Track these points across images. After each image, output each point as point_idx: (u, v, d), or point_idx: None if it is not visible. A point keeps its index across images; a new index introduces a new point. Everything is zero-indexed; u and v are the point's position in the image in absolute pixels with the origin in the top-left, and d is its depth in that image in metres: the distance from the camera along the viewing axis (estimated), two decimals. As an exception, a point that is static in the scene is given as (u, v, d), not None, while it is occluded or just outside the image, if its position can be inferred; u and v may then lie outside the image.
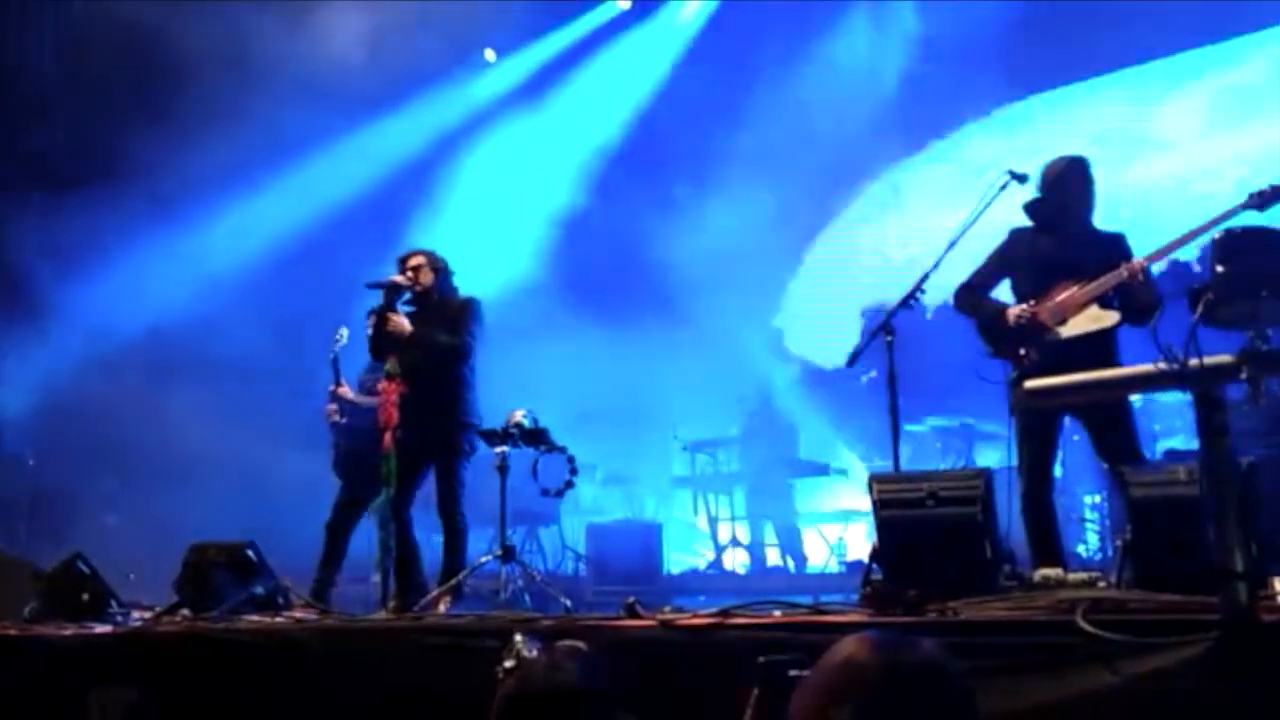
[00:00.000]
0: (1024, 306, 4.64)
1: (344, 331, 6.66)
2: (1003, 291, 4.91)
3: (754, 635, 3.19)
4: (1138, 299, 4.44)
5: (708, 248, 10.75)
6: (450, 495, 5.44)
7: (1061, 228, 4.72)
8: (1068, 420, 4.99)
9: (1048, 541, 4.50)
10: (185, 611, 4.91)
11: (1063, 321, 4.55)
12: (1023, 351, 4.61)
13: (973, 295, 4.87)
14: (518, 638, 2.30)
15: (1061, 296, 4.57)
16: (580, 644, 2.28)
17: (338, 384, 6.58)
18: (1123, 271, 4.44)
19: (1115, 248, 4.64)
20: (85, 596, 5.18)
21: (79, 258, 9.04)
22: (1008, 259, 4.85)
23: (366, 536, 6.45)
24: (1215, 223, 4.12)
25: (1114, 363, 4.42)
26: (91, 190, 8.69)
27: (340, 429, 6.55)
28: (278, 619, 4.67)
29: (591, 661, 2.18)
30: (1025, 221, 4.87)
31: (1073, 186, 4.71)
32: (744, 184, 10.39)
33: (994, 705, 2.71)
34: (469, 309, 5.70)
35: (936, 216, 9.30)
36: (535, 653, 2.22)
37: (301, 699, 3.90)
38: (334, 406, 6.62)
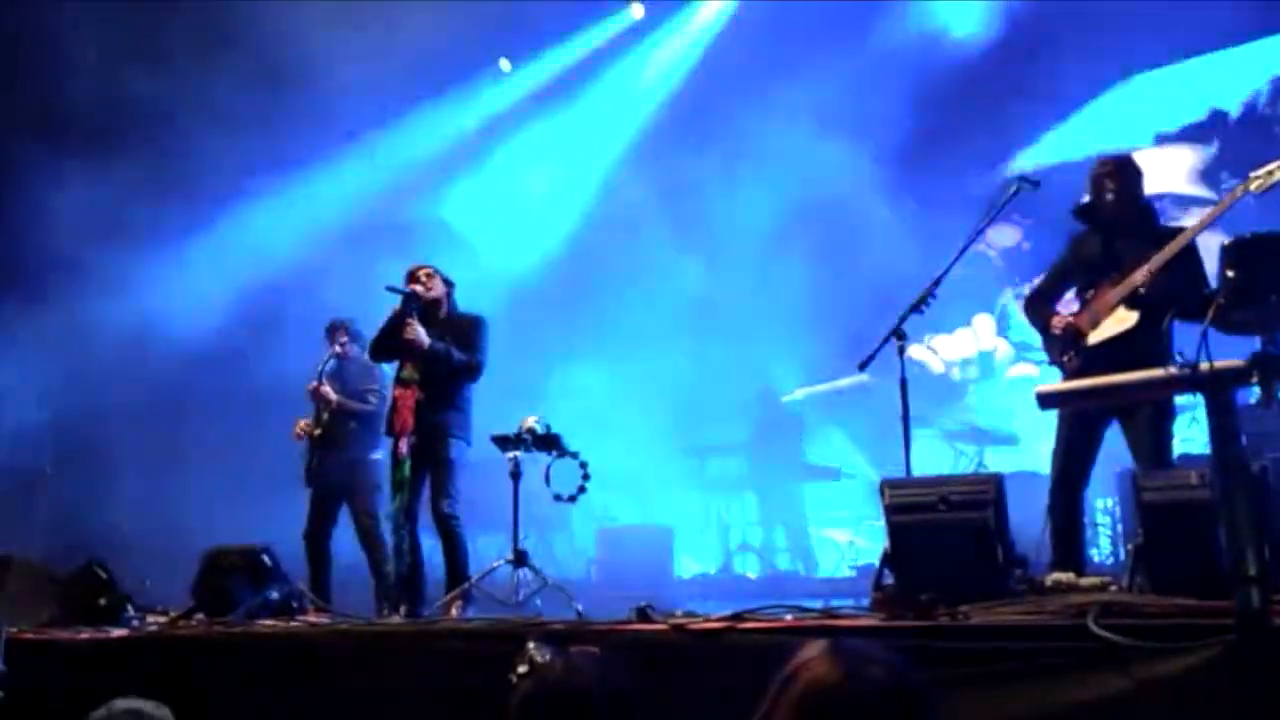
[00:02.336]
0: (1062, 315, 4.67)
1: (344, 339, 6.67)
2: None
3: (766, 639, 3.20)
4: (1168, 294, 4.34)
5: (719, 252, 10.77)
6: (448, 501, 5.45)
7: (1108, 229, 4.69)
8: None
9: (1071, 544, 4.48)
10: (201, 616, 4.95)
11: (1096, 325, 4.55)
12: (1065, 358, 4.63)
13: (1039, 303, 4.89)
14: (530, 644, 2.30)
15: (1098, 299, 4.57)
16: (594, 649, 2.29)
17: (320, 382, 6.54)
18: (1138, 275, 4.37)
19: (1164, 244, 4.45)
20: (102, 601, 5.22)
21: (95, 257, 9.07)
22: (1068, 264, 4.85)
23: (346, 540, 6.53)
24: (1223, 208, 4.10)
25: (1150, 362, 4.27)
26: (108, 187, 8.71)
27: (315, 439, 6.53)
28: (293, 623, 4.70)
29: (608, 664, 2.19)
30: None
31: (1114, 186, 4.68)
32: (755, 190, 10.40)
33: (1006, 710, 2.72)
34: (481, 328, 5.72)
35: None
36: (549, 657, 2.23)
37: (317, 703, 3.92)
38: (306, 421, 6.62)
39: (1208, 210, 4.55)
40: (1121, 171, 4.71)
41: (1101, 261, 4.64)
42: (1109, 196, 4.66)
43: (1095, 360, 4.34)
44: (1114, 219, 4.67)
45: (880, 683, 1.52)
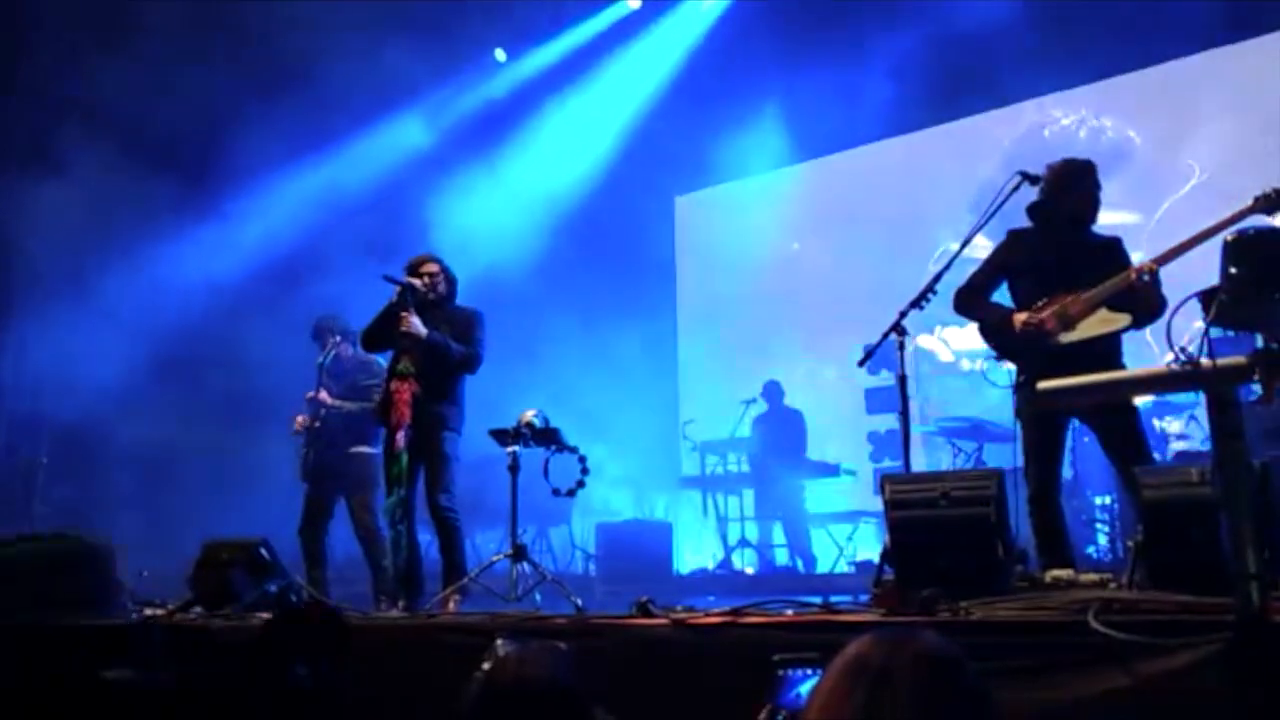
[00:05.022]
0: (1030, 313, 4.63)
1: (337, 339, 6.67)
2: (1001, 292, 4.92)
3: (766, 634, 3.19)
4: (1145, 301, 4.43)
5: (714, 247, 10.78)
6: (445, 494, 5.44)
7: (1060, 231, 4.71)
8: (1076, 423, 4.97)
9: (1055, 544, 4.49)
10: (198, 609, 4.95)
11: (1069, 325, 4.54)
12: (1027, 355, 4.62)
13: (973, 298, 4.87)
14: (498, 641, 2.30)
15: (1066, 300, 4.55)
16: (560, 644, 2.29)
17: (318, 390, 6.56)
18: (1131, 274, 4.43)
19: (1112, 252, 4.65)
20: (99, 594, 5.21)
21: (92, 244, 9.06)
22: (1006, 261, 4.84)
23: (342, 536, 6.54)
24: (1223, 225, 4.10)
25: (1118, 364, 4.45)
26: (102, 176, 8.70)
27: (312, 433, 6.55)
28: (290, 617, 4.67)
29: (566, 659, 2.19)
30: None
31: (1074, 190, 4.70)
32: (746, 183, 10.41)
33: (1006, 706, 2.71)
34: (479, 321, 5.70)
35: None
36: (508, 653, 2.22)
37: (314, 697, 3.91)
38: (304, 416, 6.63)
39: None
40: (1086, 174, 4.73)
41: (1053, 263, 4.65)
42: (1065, 199, 4.68)
43: (1071, 359, 4.31)
44: (1066, 222, 4.70)
45: (915, 649, 1.53)
